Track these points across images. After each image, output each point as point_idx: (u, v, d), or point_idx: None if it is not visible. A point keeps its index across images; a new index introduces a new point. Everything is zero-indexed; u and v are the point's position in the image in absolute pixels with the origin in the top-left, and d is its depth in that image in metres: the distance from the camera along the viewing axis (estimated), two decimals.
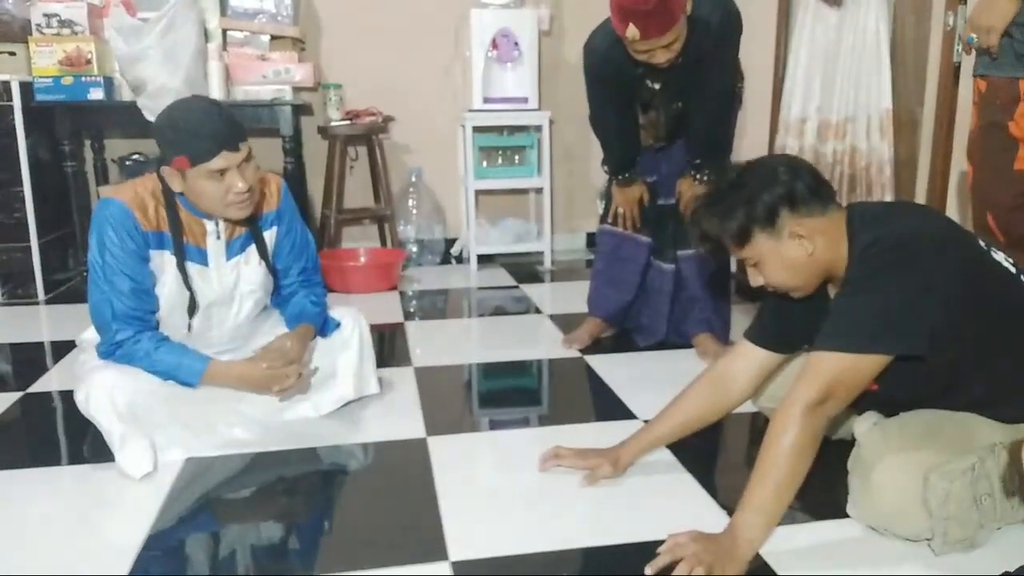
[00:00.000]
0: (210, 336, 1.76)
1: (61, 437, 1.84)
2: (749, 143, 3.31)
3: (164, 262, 1.64)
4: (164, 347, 1.62)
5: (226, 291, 1.73)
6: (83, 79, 2.93)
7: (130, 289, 1.58)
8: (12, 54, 2.97)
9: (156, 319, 1.66)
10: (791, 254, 1.29)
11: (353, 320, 1.91)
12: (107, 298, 1.58)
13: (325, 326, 1.89)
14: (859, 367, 1.21)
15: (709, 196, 1.37)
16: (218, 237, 1.69)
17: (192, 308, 1.69)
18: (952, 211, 2.39)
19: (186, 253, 1.66)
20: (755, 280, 1.36)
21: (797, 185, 1.27)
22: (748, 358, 1.49)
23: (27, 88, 2.91)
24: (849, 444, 1.39)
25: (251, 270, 1.76)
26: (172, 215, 1.63)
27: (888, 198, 2.46)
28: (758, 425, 1.78)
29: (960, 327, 1.22)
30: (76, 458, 1.69)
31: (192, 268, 1.67)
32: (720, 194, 1.33)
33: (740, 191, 1.29)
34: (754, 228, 1.28)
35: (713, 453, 1.70)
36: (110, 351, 1.61)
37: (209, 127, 1.53)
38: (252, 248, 1.75)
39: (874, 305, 1.21)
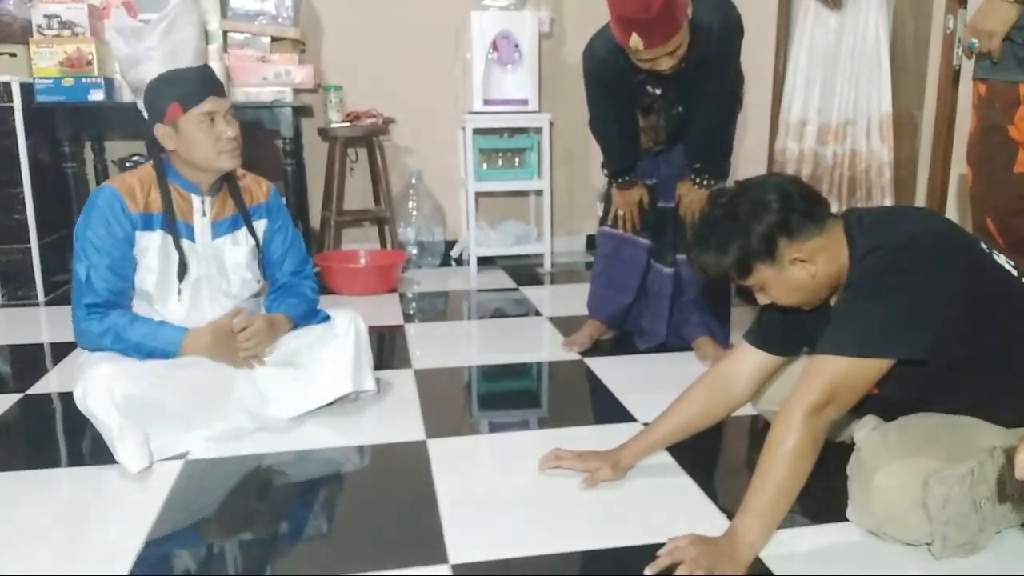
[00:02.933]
0: (203, 314, 1.79)
1: (60, 439, 1.84)
2: (749, 146, 3.31)
3: (151, 241, 1.71)
4: (140, 319, 1.71)
5: (211, 268, 1.79)
6: (84, 80, 2.93)
7: (107, 267, 1.67)
8: (13, 55, 2.98)
9: (128, 301, 1.73)
10: (795, 277, 1.29)
11: (349, 317, 1.93)
12: (85, 267, 1.67)
13: (316, 315, 1.94)
14: (861, 371, 1.21)
15: (702, 226, 1.35)
16: (204, 214, 1.77)
17: (182, 272, 1.73)
18: (952, 214, 2.39)
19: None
20: (763, 300, 1.36)
21: (790, 213, 1.26)
22: (748, 360, 1.49)
23: (28, 89, 2.91)
24: (850, 447, 1.39)
25: (238, 251, 1.83)
26: (163, 185, 1.71)
27: (888, 201, 2.46)
28: (757, 428, 1.78)
29: (962, 330, 1.22)
30: (75, 460, 1.69)
31: (180, 240, 1.73)
32: (713, 224, 1.32)
33: (733, 223, 1.28)
34: (753, 261, 1.28)
35: (713, 456, 1.70)
36: (83, 316, 1.66)
37: (196, 76, 1.69)
38: (239, 232, 1.83)
39: (876, 310, 1.21)
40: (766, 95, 3.08)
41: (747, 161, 3.37)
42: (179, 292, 1.75)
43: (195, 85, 1.66)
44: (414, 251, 3.63)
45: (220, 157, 1.69)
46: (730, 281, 1.38)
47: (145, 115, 1.71)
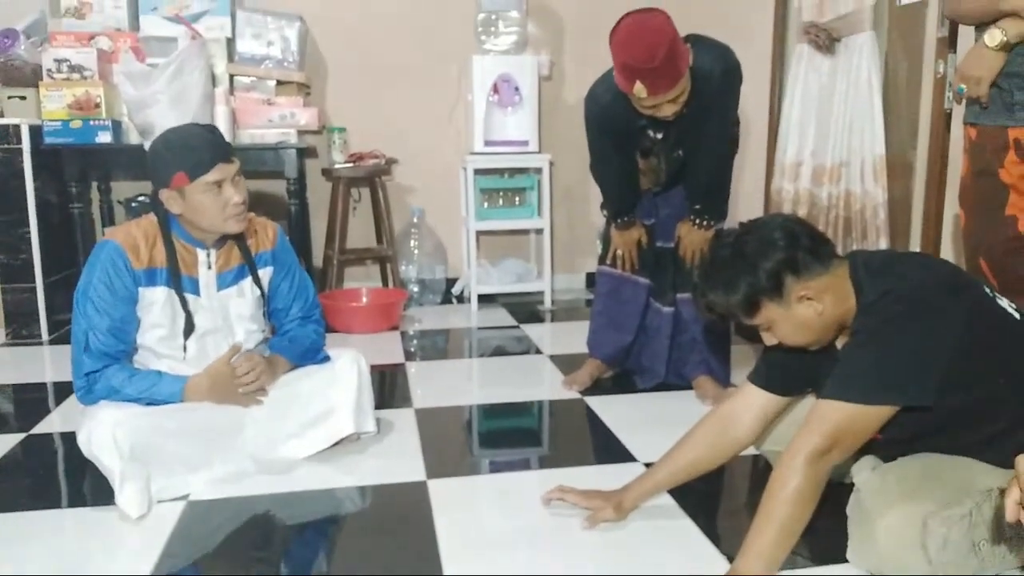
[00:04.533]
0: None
1: (62, 479, 1.84)
2: (746, 186, 3.36)
3: (156, 296, 1.69)
4: (137, 374, 1.69)
5: (217, 321, 1.78)
6: (91, 122, 2.98)
7: (107, 328, 1.65)
8: (23, 98, 3.03)
9: (128, 358, 1.72)
10: (802, 316, 1.30)
11: (352, 358, 1.93)
12: (84, 330, 1.65)
13: (316, 355, 1.93)
14: (866, 417, 1.22)
15: (709, 265, 1.36)
16: (209, 267, 1.76)
17: (188, 330, 1.73)
18: (946, 254, 2.42)
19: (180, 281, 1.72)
20: (769, 341, 1.36)
21: (796, 251, 1.28)
22: (752, 401, 1.49)
23: (36, 131, 2.95)
24: (850, 487, 1.39)
25: (243, 303, 1.82)
26: (167, 241, 1.70)
27: (883, 241, 2.49)
28: (759, 469, 1.78)
29: (967, 376, 1.23)
30: (77, 500, 1.69)
31: (185, 296, 1.73)
32: (721, 262, 1.33)
33: (739, 262, 1.29)
34: (761, 299, 1.29)
35: (714, 498, 1.70)
36: (83, 385, 1.66)
37: (203, 142, 1.64)
38: (244, 283, 1.82)
39: (883, 356, 1.22)
40: (762, 137, 3.14)
41: (745, 201, 3.41)
42: (184, 348, 1.75)
43: (202, 153, 1.62)
44: (415, 289, 3.66)
45: (227, 222, 1.68)
46: (735, 321, 1.38)
47: (150, 178, 1.70)
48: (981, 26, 1.79)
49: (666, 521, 1.54)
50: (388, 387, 2.49)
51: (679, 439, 1.53)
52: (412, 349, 2.95)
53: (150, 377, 1.70)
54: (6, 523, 1.58)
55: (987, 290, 1.33)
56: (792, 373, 1.45)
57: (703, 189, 2.19)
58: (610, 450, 1.94)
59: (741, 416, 1.49)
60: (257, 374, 1.77)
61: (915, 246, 2.48)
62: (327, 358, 1.93)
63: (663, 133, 2.12)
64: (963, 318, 1.22)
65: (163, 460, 1.64)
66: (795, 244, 1.28)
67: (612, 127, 2.13)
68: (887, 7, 2.58)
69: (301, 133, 3.26)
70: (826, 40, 2.65)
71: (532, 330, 3.21)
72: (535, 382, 2.56)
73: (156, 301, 1.70)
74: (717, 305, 1.34)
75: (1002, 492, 1.25)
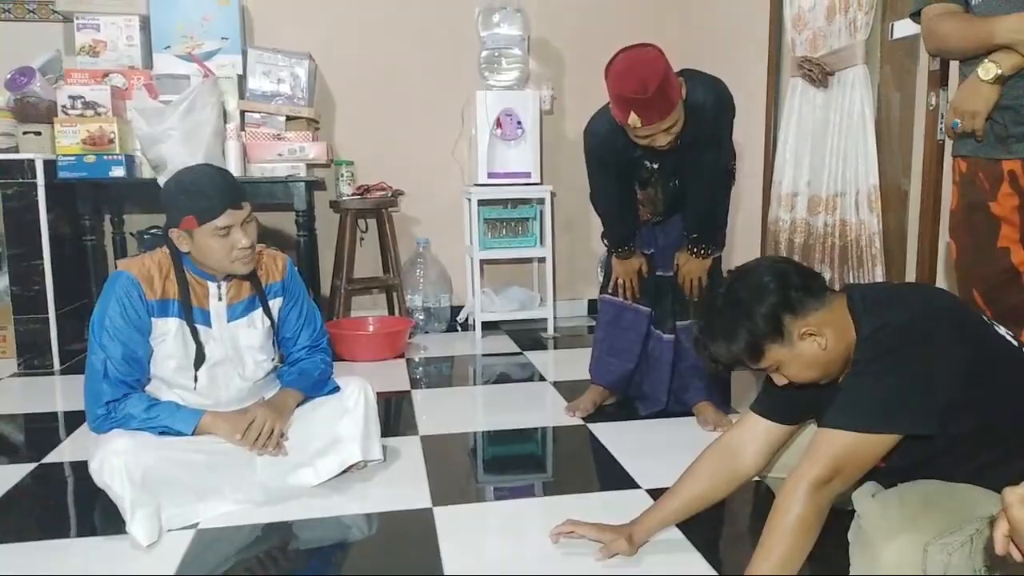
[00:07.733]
0: (219, 395, 1.83)
1: (73, 509, 1.86)
2: (744, 216, 3.41)
3: (168, 327, 1.73)
4: (157, 404, 1.72)
5: (227, 351, 1.81)
6: (105, 157, 3.04)
7: (122, 355, 1.68)
8: (38, 134, 3.10)
9: (141, 387, 1.75)
10: (807, 353, 1.31)
11: (359, 386, 1.96)
12: (102, 359, 1.67)
13: (326, 385, 1.95)
14: (868, 446, 1.22)
15: (706, 318, 1.38)
16: (220, 299, 1.79)
17: (199, 361, 1.76)
18: (941, 281, 2.44)
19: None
20: (780, 381, 1.37)
21: (789, 290, 1.30)
22: (755, 430, 1.50)
23: (51, 166, 3.02)
24: (851, 513, 1.40)
25: (253, 333, 1.85)
26: (180, 274, 1.73)
27: (879, 269, 2.52)
28: (760, 493, 1.79)
29: (967, 404, 1.24)
30: (88, 530, 1.71)
31: (196, 327, 1.76)
32: (717, 314, 1.35)
33: (735, 311, 1.31)
34: (764, 343, 1.30)
35: (722, 530, 1.71)
36: (103, 413, 1.68)
37: (214, 188, 1.67)
38: (254, 314, 1.85)
39: (883, 385, 1.23)
40: (759, 168, 3.20)
41: (743, 230, 3.46)
42: (195, 379, 1.78)
43: (212, 199, 1.65)
44: (421, 317, 3.71)
45: (233, 264, 1.71)
46: (742, 368, 1.38)
47: (163, 213, 1.73)
48: (967, 60, 1.81)
49: (674, 555, 1.55)
50: (394, 414, 2.52)
51: (685, 470, 1.54)
52: (417, 376, 2.98)
53: (168, 407, 1.73)
54: (18, 552, 1.60)
55: (985, 319, 1.35)
56: (794, 401, 1.46)
57: (700, 218, 2.24)
58: (613, 476, 1.97)
59: (745, 446, 1.50)
60: (268, 430, 1.78)
61: (911, 274, 2.51)
62: (337, 388, 1.96)
63: (659, 163, 2.18)
64: (963, 347, 1.24)
65: (174, 489, 1.67)
66: (786, 284, 1.30)
67: (610, 158, 2.19)
68: (879, 42, 2.64)
69: (310, 166, 3.32)
70: (819, 74, 2.71)
71: (535, 357, 3.25)
72: (538, 408, 2.59)
73: (168, 332, 1.74)
74: (721, 356, 1.35)
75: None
